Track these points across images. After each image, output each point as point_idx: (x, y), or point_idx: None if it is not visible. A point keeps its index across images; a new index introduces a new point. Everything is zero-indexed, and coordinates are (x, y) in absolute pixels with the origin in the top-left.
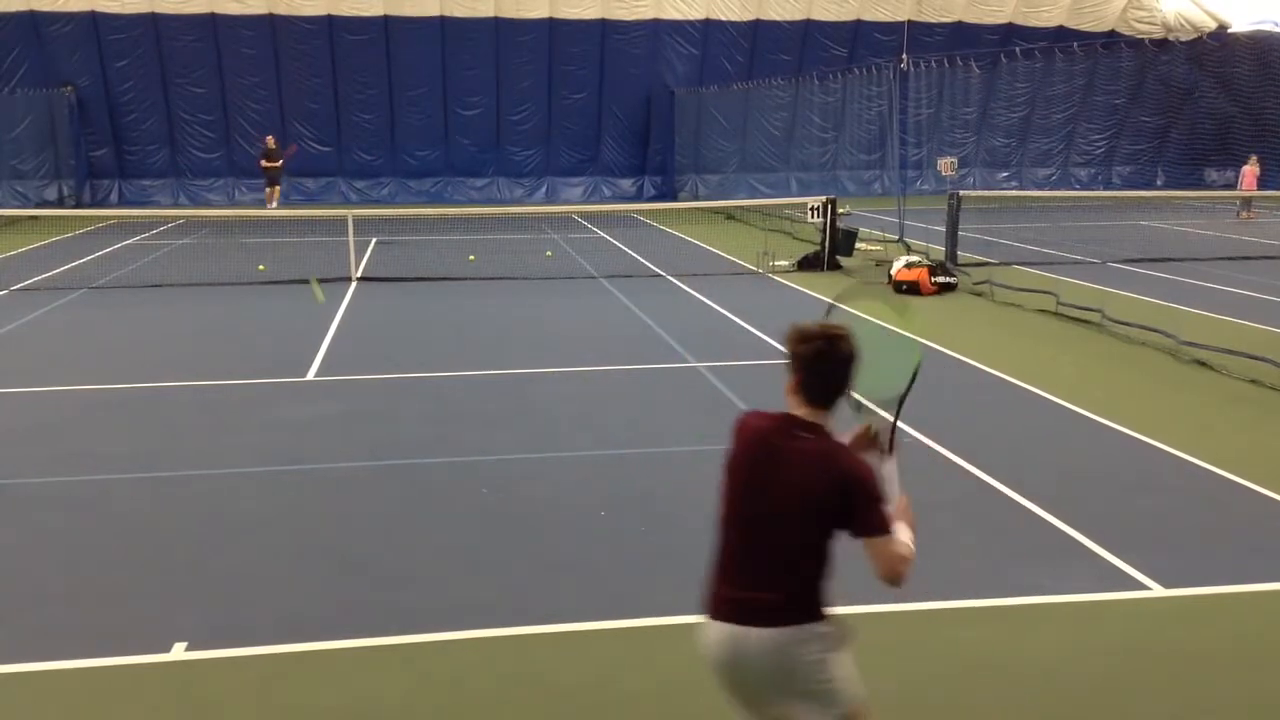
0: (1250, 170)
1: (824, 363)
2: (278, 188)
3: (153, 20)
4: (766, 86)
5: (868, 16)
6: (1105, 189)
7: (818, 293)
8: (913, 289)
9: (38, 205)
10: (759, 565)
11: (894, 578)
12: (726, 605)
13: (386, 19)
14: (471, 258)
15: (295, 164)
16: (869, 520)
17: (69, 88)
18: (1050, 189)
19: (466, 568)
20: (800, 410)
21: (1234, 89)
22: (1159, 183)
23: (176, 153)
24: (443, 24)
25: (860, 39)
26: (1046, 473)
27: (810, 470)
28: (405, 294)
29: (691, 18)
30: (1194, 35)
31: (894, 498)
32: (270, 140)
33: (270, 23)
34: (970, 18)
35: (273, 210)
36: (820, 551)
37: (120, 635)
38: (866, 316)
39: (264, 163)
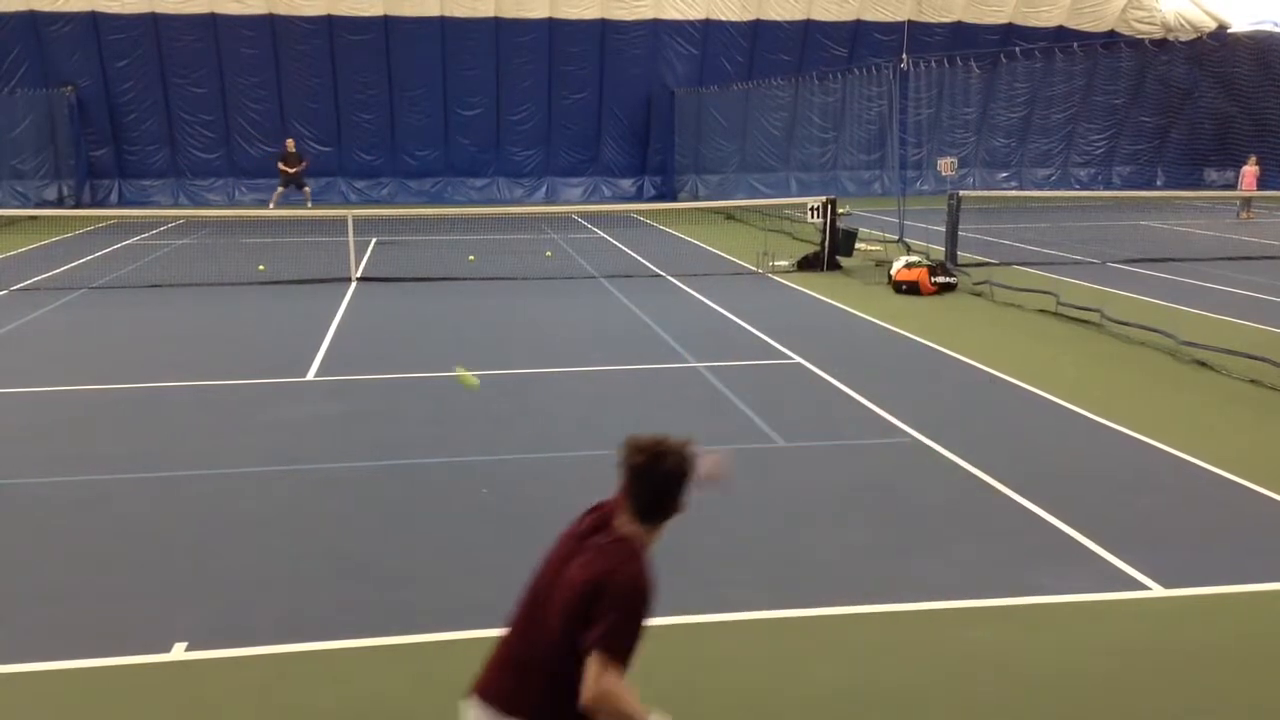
0: (1250, 170)
1: (646, 478)
2: (308, 189)
3: (153, 20)
4: (766, 86)
5: (868, 16)
6: (1105, 189)
7: (818, 293)
8: (913, 289)
9: (38, 205)
10: (525, 654)
11: (596, 704)
12: (487, 684)
13: (386, 19)
14: (471, 258)
15: None
16: (599, 631)
17: (69, 88)
18: (1050, 189)
19: (466, 568)
20: (623, 518)
21: (1234, 89)
22: (1159, 183)
23: (176, 153)
24: (443, 24)
25: (860, 39)
26: (1046, 473)
27: (584, 568)
28: (405, 294)
29: (691, 18)
30: (1194, 35)
31: None
32: (289, 144)
33: (270, 23)
34: (970, 18)
35: (272, 210)
36: (580, 661)
37: (120, 635)
38: None
39: (280, 165)
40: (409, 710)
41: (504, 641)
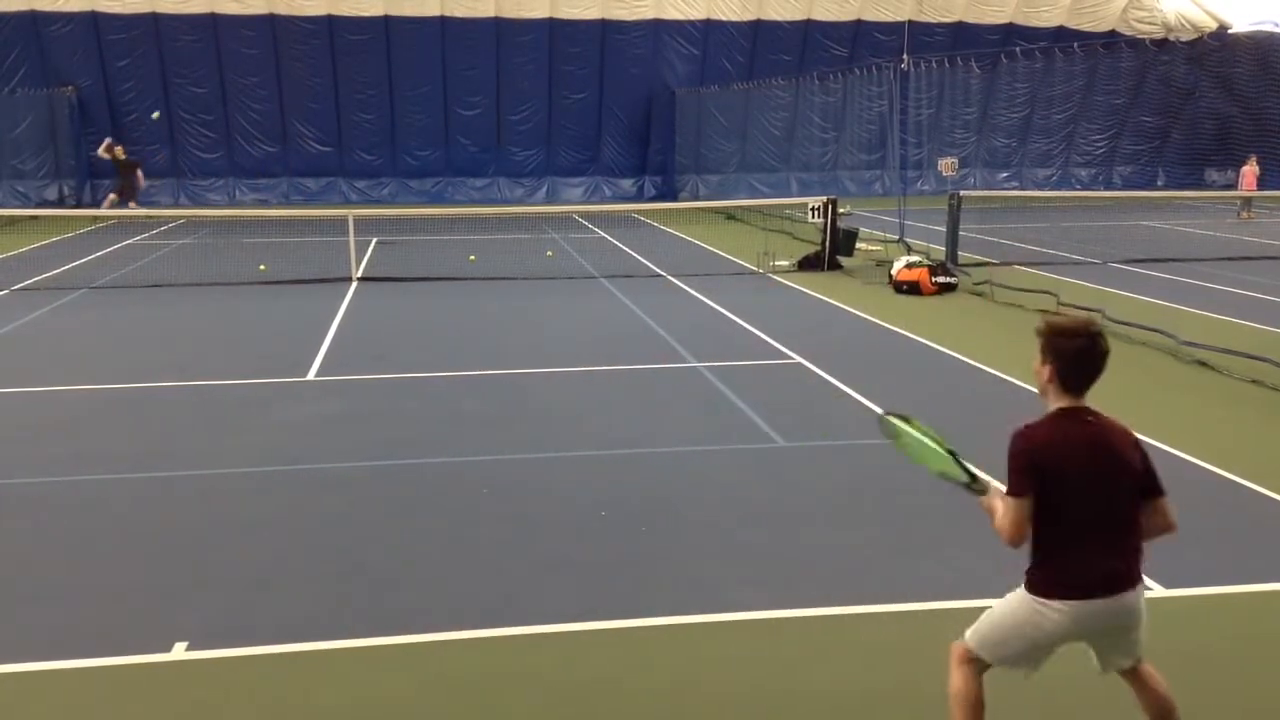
0: (1250, 170)
1: (1087, 358)
2: (113, 196)
3: (153, 20)
4: (767, 86)
5: (868, 16)
6: (1106, 189)
7: (818, 293)
8: (913, 289)
9: (38, 205)
10: (1120, 539)
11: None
12: (1120, 575)
13: (387, 19)
14: (472, 258)
15: (297, 164)
16: (1155, 475)
17: (69, 88)
18: (1051, 189)
19: (466, 568)
20: (1063, 399)
21: (1234, 89)
22: (1159, 183)
23: (177, 153)
24: (443, 24)
25: (861, 39)
26: None
27: (1124, 434)
28: (405, 294)
29: (692, 18)
30: (1194, 35)
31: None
32: (119, 151)
33: (270, 23)
34: (971, 18)
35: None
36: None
37: (120, 635)
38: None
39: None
40: (409, 710)
41: (1098, 543)
